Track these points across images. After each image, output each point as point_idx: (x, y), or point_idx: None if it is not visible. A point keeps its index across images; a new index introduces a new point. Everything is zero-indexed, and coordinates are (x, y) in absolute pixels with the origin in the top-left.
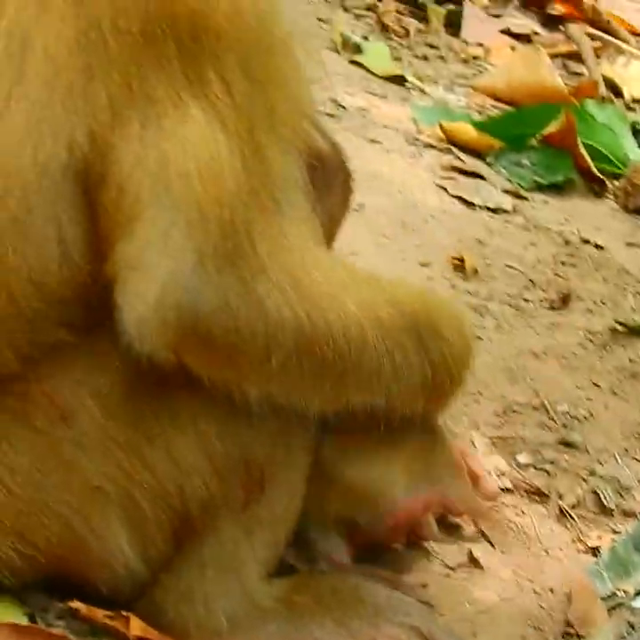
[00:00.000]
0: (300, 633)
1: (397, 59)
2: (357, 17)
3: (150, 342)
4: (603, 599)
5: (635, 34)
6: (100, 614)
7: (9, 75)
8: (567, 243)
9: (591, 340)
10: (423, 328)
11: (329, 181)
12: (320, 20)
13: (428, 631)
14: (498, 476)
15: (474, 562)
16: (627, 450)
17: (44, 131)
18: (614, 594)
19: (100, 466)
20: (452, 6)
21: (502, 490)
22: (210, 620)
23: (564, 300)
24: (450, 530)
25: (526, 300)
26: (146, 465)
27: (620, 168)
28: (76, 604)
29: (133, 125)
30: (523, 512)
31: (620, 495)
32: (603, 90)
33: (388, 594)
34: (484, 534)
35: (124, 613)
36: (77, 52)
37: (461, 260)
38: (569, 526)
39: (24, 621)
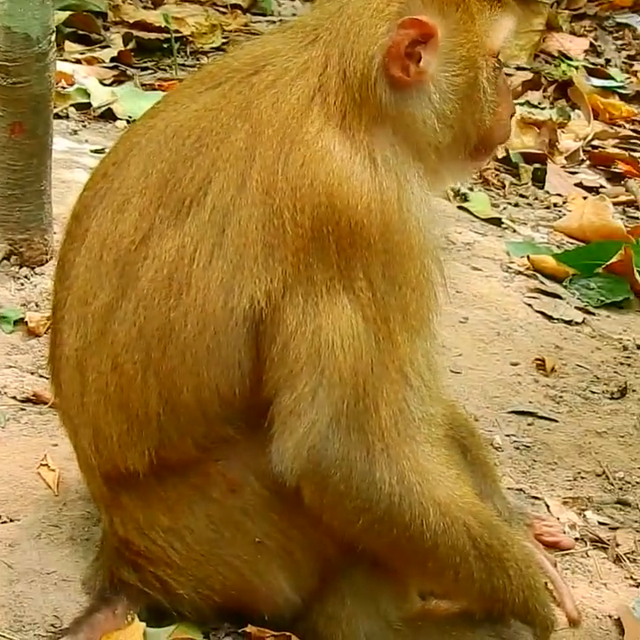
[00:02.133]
0: None
1: (495, 205)
2: None
3: (283, 465)
4: None
5: None
6: (268, 634)
7: (212, 239)
8: (625, 348)
9: None
10: (491, 558)
11: None
12: None
13: None
14: (570, 528)
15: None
16: None
17: (234, 285)
18: None
19: (261, 526)
20: (538, 165)
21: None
22: (352, 638)
23: (622, 392)
24: None
25: (593, 392)
26: (295, 524)
27: None
28: (249, 628)
29: (298, 297)
30: (588, 555)
31: None
32: None
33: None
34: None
35: (287, 634)
36: (263, 232)
37: (543, 361)
38: (623, 567)
39: (200, 638)
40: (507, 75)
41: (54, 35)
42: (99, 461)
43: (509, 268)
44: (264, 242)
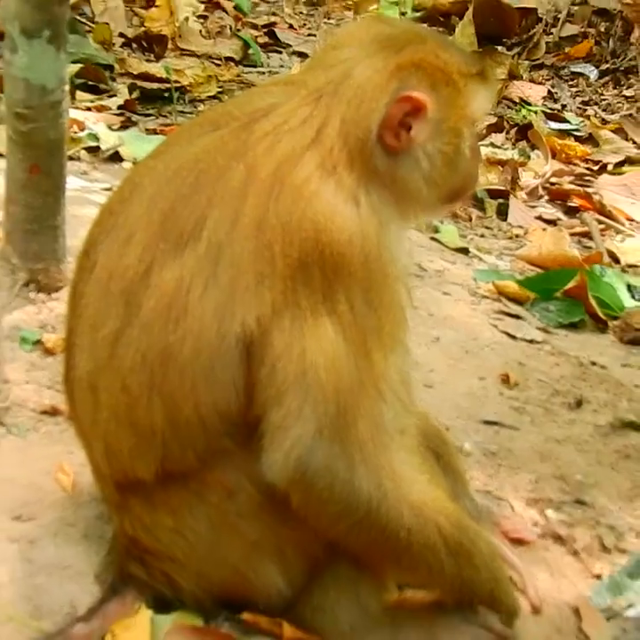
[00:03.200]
0: (400, 635)
1: (463, 236)
2: None
3: (273, 475)
4: (602, 611)
5: (629, 219)
6: (262, 621)
7: (207, 270)
8: (581, 364)
9: (597, 432)
10: (461, 556)
11: None
12: None
13: (493, 630)
14: (532, 525)
15: (513, 584)
16: (621, 507)
17: (226, 312)
18: (611, 607)
19: (256, 527)
20: (501, 200)
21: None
22: (336, 626)
23: (579, 404)
24: None
25: (552, 404)
26: (286, 525)
27: (617, 312)
28: (245, 615)
29: (285, 321)
30: (548, 550)
31: (617, 538)
32: (606, 258)
33: (459, 606)
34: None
35: (279, 620)
36: (254, 263)
37: (507, 376)
38: (581, 560)
39: (200, 625)
40: None
41: (67, 85)
42: (110, 471)
43: (476, 292)
44: (255, 272)
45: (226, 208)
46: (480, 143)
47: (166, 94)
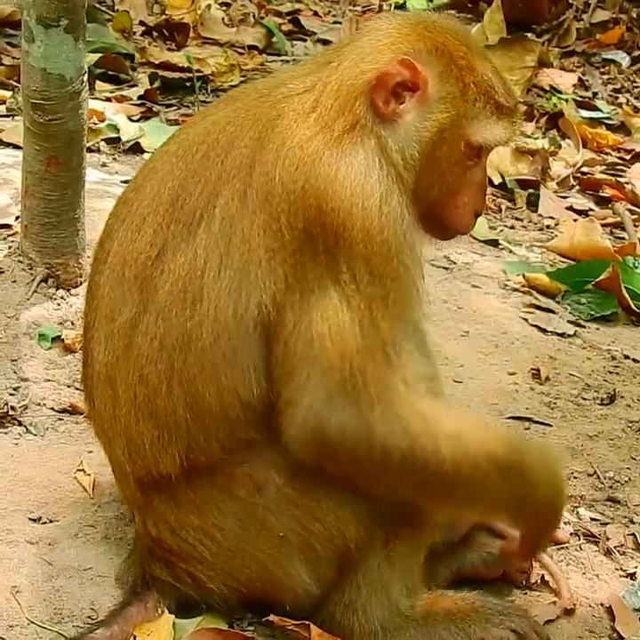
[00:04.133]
0: (431, 635)
1: (493, 228)
2: None
3: (297, 450)
4: (636, 610)
5: None
6: (288, 623)
7: (220, 249)
8: (613, 358)
9: (630, 427)
10: (512, 470)
11: None
12: None
13: (525, 633)
14: (564, 523)
15: (545, 583)
16: None
17: (242, 292)
18: None
19: (284, 522)
20: (531, 190)
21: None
22: (367, 626)
23: (611, 399)
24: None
25: (584, 399)
26: (316, 519)
27: None
28: (272, 617)
29: (296, 295)
30: (581, 549)
31: None
32: (639, 249)
33: (495, 605)
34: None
35: (306, 623)
36: (264, 237)
37: (538, 371)
38: (614, 559)
39: (225, 628)
40: None
41: (86, 75)
42: (132, 468)
43: (506, 285)
44: (266, 247)
45: (235, 181)
46: None
47: (188, 84)
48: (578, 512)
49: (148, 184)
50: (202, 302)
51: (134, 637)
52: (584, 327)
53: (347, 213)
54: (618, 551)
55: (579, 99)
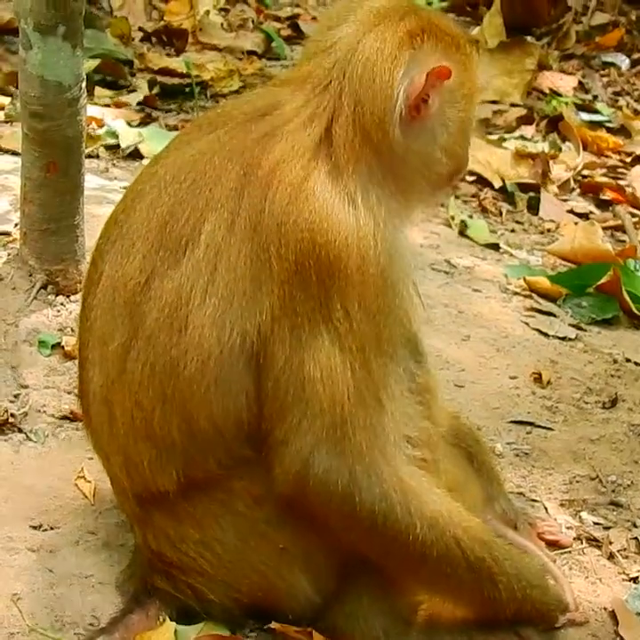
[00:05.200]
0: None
1: (493, 232)
2: (465, 202)
3: (280, 485)
4: (639, 614)
5: None
6: (291, 630)
7: (206, 277)
8: (615, 361)
9: (632, 430)
10: (483, 571)
11: None
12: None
13: (528, 637)
14: (567, 528)
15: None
16: None
17: (226, 320)
18: None
19: (284, 534)
20: (532, 194)
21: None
22: (369, 632)
23: (613, 402)
24: None
25: (586, 402)
26: (314, 531)
27: None
28: (274, 625)
29: (285, 331)
30: (584, 553)
31: None
32: None
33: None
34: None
35: (308, 629)
36: (251, 267)
37: (539, 375)
38: (616, 563)
39: (227, 634)
40: (502, 111)
41: (85, 82)
42: (130, 484)
43: (507, 289)
44: (252, 276)
45: (223, 210)
46: (510, 136)
47: (187, 89)
48: (580, 516)
49: (137, 206)
50: (187, 330)
51: None
52: (585, 331)
53: (343, 244)
54: (621, 555)
55: (579, 102)
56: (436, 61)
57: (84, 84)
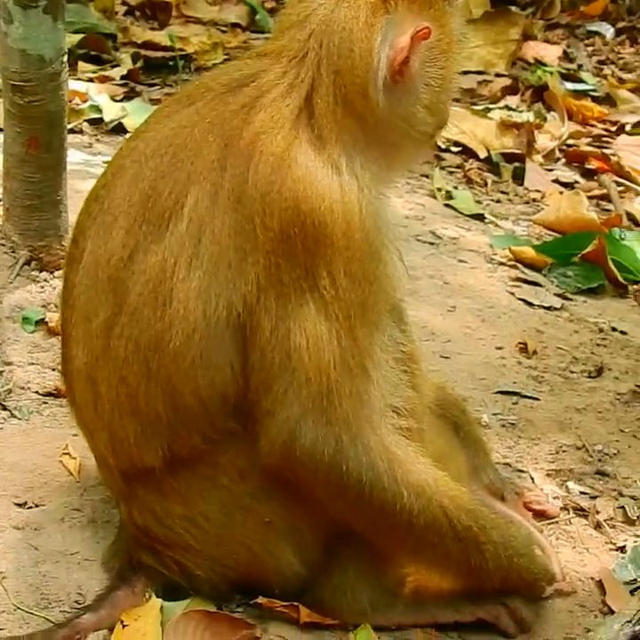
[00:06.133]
0: (421, 611)
1: (478, 202)
2: (450, 173)
3: (266, 456)
4: (627, 583)
5: None
6: (277, 605)
7: (190, 250)
8: (601, 330)
9: (618, 399)
10: (469, 540)
11: None
12: (423, 176)
13: (515, 608)
14: (553, 498)
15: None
16: None
17: (211, 293)
18: (636, 579)
19: (270, 507)
20: (517, 164)
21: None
22: (356, 605)
23: (599, 371)
24: None
25: (572, 372)
26: (300, 503)
27: (637, 276)
28: (260, 599)
29: (270, 300)
30: (571, 523)
31: None
32: (625, 221)
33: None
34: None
35: (295, 604)
36: (235, 238)
37: (525, 345)
38: (603, 532)
39: (213, 610)
40: (487, 81)
41: (66, 56)
42: (116, 461)
43: (493, 259)
44: (237, 247)
45: (205, 183)
46: (495, 106)
47: (171, 63)
48: (567, 486)
49: (118, 182)
50: (171, 303)
51: (122, 622)
52: (571, 300)
53: (328, 211)
54: (608, 524)
55: (564, 71)
56: (412, 22)
57: (65, 58)
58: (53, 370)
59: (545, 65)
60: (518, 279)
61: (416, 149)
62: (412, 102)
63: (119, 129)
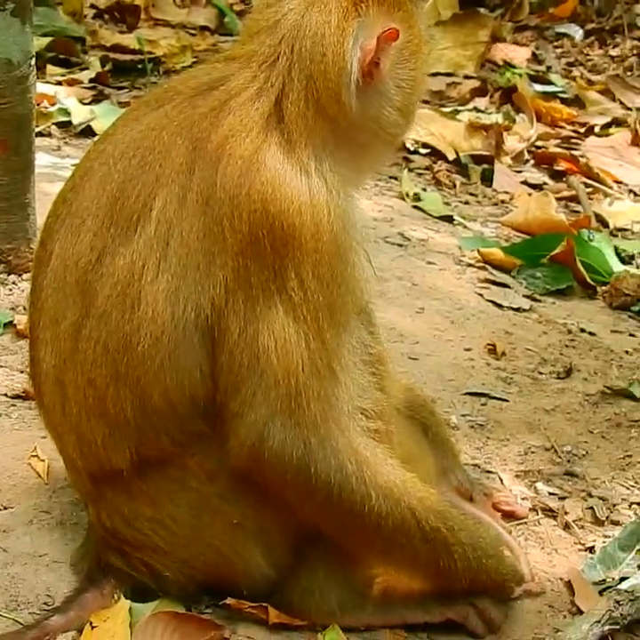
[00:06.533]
0: (390, 612)
1: (447, 204)
2: (419, 175)
3: (235, 458)
4: (595, 584)
5: (616, 182)
6: (245, 606)
7: (158, 253)
8: (569, 331)
9: (587, 400)
10: (437, 541)
11: None
12: (392, 177)
13: (484, 608)
14: (522, 499)
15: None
16: (613, 477)
17: (179, 295)
18: (604, 580)
19: (238, 508)
20: (486, 165)
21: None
22: (325, 606)
23: (568, 372)
24: None
25: (540, 373)
26: (269, 505)
27: (606, 278)
28: (229, 600)
29: (239, 303)
30: (539, 524)
31: (610, 510)
32: (594, 222)
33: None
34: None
35: (263, 605)
36: (204, 241)
37: (494, 346)
38: (572, 533)
39: (182, 611)
40: (456, 83)
41: (34, 59)
42: (84, 463)
43: (461, 261)
44: (205, 250)
45: (173, 185)
46: (463, 108)
47: (140, 66)
48: (536, 487)
49: (86, 184)
50: (140, 306)
51: (90, 624)
52: (539, 301)
53: (296, 213)
54: (576, 525)
55: (532, 73)
56: (382, 25)
57: (33, 61)
58: (22, 372)
59: (514, 67)
60: (487, 280)
61: (385, 150)
62: (383, 104)
63: (88, 132)
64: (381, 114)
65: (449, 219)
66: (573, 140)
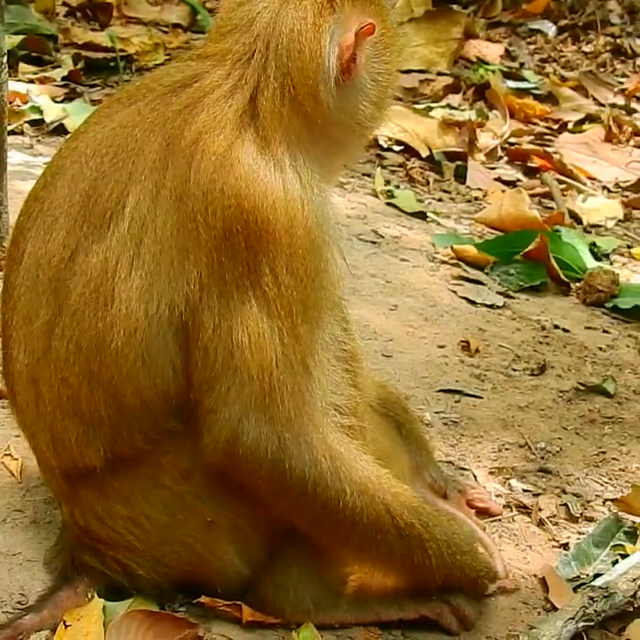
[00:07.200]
0: (364, 609)
1: (420, 201)
2: (392, 172)
3: (209, 454)
4: (570, 580)
5: (590, 178)
6: (219, 604)
7: (132, 250)
8: (543, 328)
9: (561, 397)
10: (412, 537)
11: None
12: (365, 175)
13: (459, 605)
14: (496, 496)
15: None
16: (587, 474)
17: (153, 293)
18: (579, 576)
19: (212, 506)
20: (459, 162)
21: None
22: (299, 604)
23: (541, 369)
24: None
25: (514, 370)
26: (243, 503)
27: (579, 274)
28: (203, 599)
29: (213, 299)
30: (514, 520)
31: (584, 507)
32: (568, 219)
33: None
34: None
35: (238, 603)
36: (177, 237)
37: (467, 343)
38: (546, 530)
39: (156, 609)
40: (429, 80)
41: (7, 57)
42: (57, 462)
43: (435, 257)
44: (179, 247)
45: (147, 182)
46: (436, 104)
47: (112, 64)
48: (510, 484)
49: (57, 183)
50: (113, 304)
51: (64, 623)
52: (513, 298)
53: (270, 208)
54: (550, 522)
55: (506, 69)
56: (357, 20)
57: (5, 60)
58: None
59: (487, 63)
60: (460, 277)
61: (358, 144)
62: (360, 99)
63: (60, 130)
64: (358, 108)
65: (422, 216)
66: (547, 137)
